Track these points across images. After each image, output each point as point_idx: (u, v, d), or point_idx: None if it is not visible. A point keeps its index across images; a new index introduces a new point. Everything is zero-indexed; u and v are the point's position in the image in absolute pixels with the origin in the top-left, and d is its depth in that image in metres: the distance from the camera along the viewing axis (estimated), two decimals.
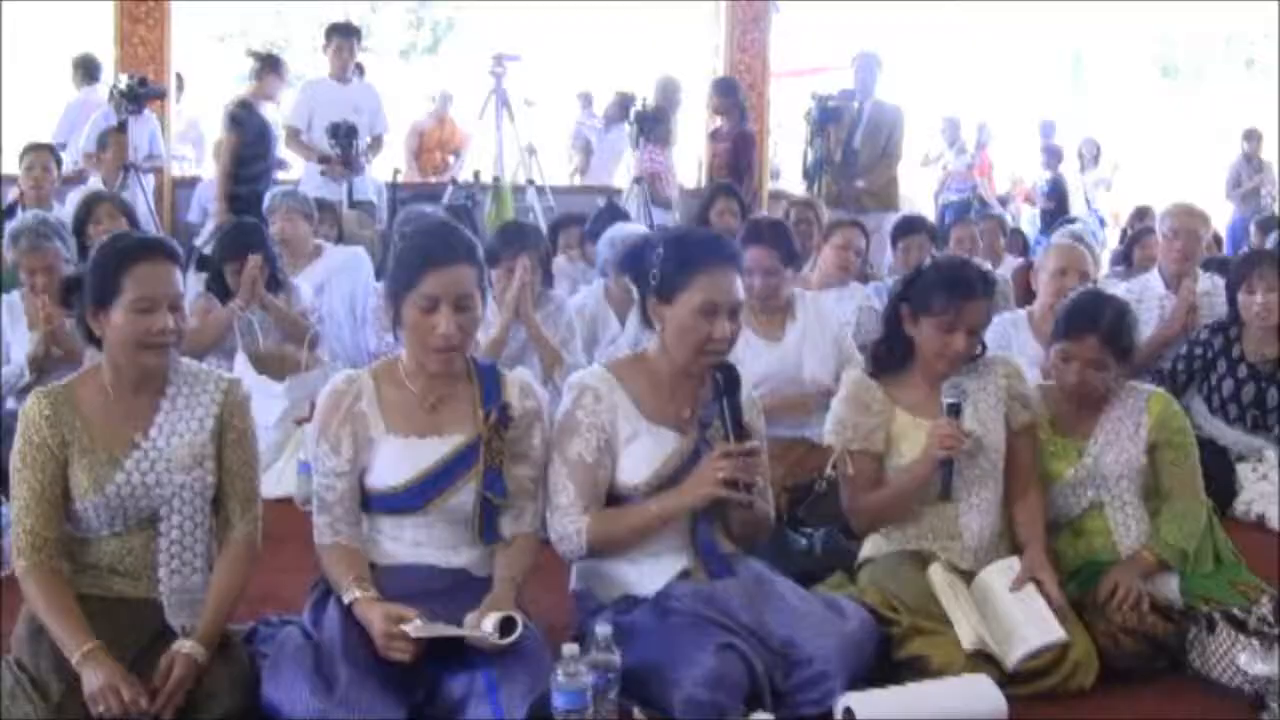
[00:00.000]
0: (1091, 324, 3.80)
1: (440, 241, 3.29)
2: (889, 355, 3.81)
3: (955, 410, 3.61)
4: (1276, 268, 5.36)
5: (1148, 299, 6.02)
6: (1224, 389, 5.46)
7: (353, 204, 9.01)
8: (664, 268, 3.40)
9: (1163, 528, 3.79)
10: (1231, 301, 5.47)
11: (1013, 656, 3.39)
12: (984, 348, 3.79)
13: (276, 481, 5.27)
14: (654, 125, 9.53)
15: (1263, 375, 5.39)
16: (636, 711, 3.18)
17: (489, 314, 5.12)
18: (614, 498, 3.45)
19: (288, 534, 4.06)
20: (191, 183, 10.49)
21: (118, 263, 3.12)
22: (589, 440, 3.40)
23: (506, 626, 3.07)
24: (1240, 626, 3.45)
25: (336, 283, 6.86)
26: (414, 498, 3.28)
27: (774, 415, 4.46)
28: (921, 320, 3.70)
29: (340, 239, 8.01)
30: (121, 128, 8.57)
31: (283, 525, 4.18)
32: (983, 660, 3.37)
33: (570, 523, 3.40)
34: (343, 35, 9.34)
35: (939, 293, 3.67)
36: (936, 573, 3.58)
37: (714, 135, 10.31)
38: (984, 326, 3.75)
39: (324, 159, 8.91)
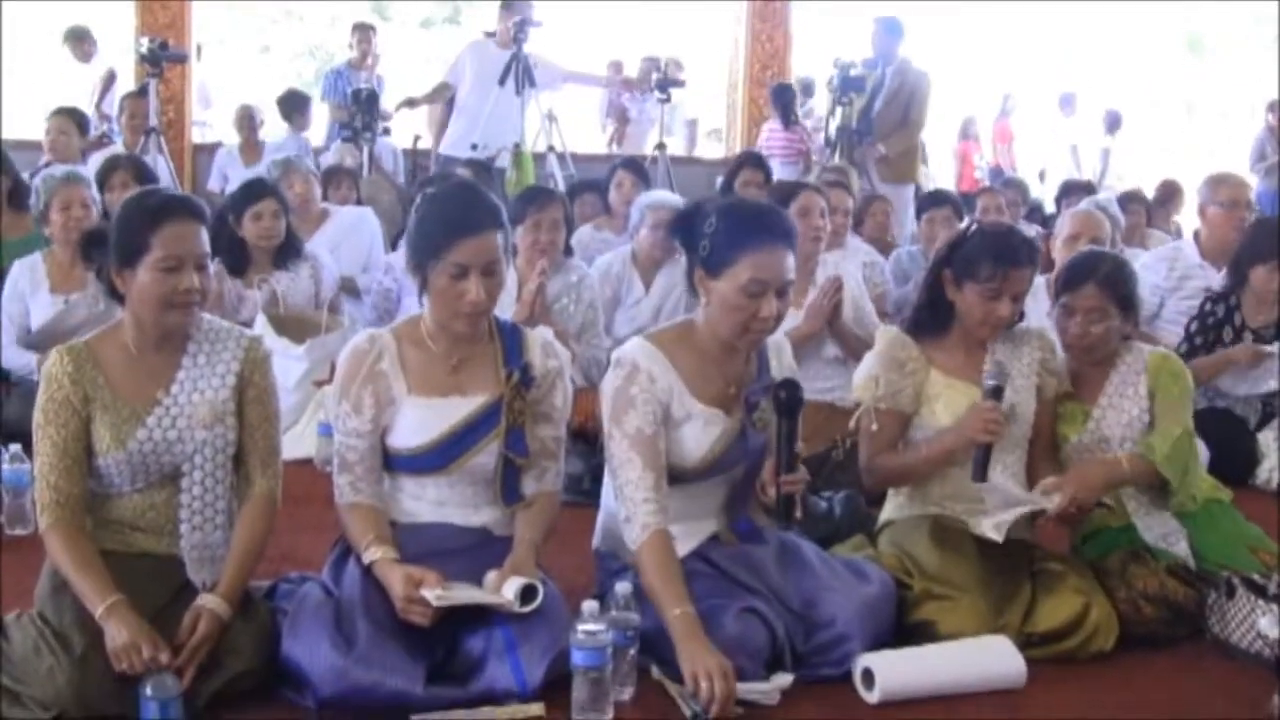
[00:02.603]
0: (1089, 273, 3.79)
1: (468, 208, 3.27)
2: (930, 319, 3.76)
3: (997, 393, 3.56)
4: None
5: (1180, 267, 6.00)
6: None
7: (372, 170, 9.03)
8: (714, 240, 3.29)
9: (1141, 443, 3.76)
10: (1234, 270, 5.44)
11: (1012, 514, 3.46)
12: (1023, 315, 3.76)
13: (296, 443, 5.25)
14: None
15: (1266, 341, 5.36)
16: (655, 671, 3.19)
17: (509, 281, 5.13)
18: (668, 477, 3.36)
19: (307, 495, 4.07)
20: (212, 149, 10.49)
21: (146, 221, 3.11)
22: (646, 414, 3.29)
23: (527, 594, 3.08)
24: (1260, 592, 3.44)
25: (347, 246, 6.87)
26: (436, 458, 3.29)
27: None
28: (965, 286, 3.66)
29: (358, 203, 8.02)
30: (142, 92, 8.59)
31: (302, 486, 4.17)
32: (993, 630, 3.36)
33: (641, 512, 3.23)
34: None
35: (985, 259, 3.62)
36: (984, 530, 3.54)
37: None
38: (1026, 294, 3.71)
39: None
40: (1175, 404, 3.80)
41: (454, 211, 3.27)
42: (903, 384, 3.70)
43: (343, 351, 3.39)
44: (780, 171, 10.76)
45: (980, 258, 3.64)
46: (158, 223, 3.10)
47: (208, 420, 3.18)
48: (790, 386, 3.33)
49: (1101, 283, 3.77)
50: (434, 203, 3.32)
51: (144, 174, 6.32)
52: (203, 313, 3.25)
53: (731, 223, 3.31)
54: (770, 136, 10.69)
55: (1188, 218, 10.01)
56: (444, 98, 9.60)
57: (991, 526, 3.46)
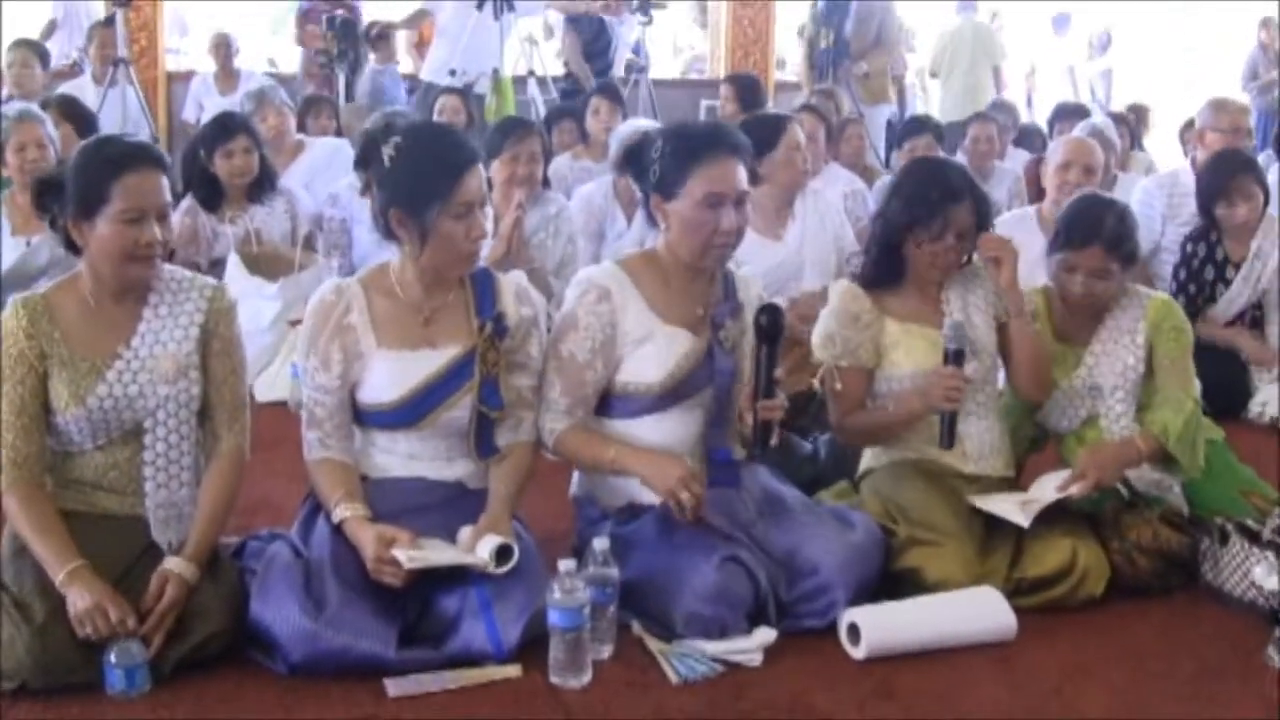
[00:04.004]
0: (1094, 233, 3.65)
1: (457, 145, 3.20)
2: (882, 271, 3.67)
3: (958, 358, 3.47)
4: (1253, 176, 5.29)
5: (1178, 195, 5.89)
6: (1218, 292, 5.38)
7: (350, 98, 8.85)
8: (663, 163, 3.29)
9: (1147, 414, 3.66)
10: (1205, 209, 5.36)
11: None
12: (970, 257, 3.66)
13: (270, 385, 5.20)
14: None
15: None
16: (636, 626, 3.14)
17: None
18: (627, 397, 3.34)
19: (281, 438, 3.97)
20: (186, 78, 10.28)
21: (105, 171, 2.99)
22: (584, 340, 3.29)
23: (502, 554, 2.99)
24: (1254, 538, 3.37)
25: (323, 179, 6.72)
26: (408, 414, 3.19)
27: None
28: (908, 234, 3.57)
29: (339, 133, 7.88)
30: (109, 22, 8.39)
31: (276, 429, 4.10)
32: (980, 575, 3.30)
33: (548, 419, 3.32)
34: None
35: (921, 204, 3.54)
36: (971, 500, 3.49)
37: None
38: (973, 230, 3.60)
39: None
40: (1179, 361, 3.69)
41: (446, 151, 3.18)
42: (859, 338, 3.62)
43: (309, 303, 3.27)
44: None
45: (916, 202, 3.55)
46: (118, 173, 2.98)
47: (171, 374, 3.08)
48: (771, 311, 3.27)
49: (1107, 243, 3.64)
50: (416, 149, 3.17)
51: (73, 110, 6.18)
52: (164, 262, 3.13)
53: (678, 143, 3.31)
54: None
55: (1156, 141, 9.91)
56: (421, 23, 9.41)
57: (1019, 512, 3.38)
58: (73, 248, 3.08)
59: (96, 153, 3.05)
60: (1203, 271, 5.38)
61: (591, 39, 9.79)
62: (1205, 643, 3.23)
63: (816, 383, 3.74)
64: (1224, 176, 5.31)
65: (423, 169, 3.14)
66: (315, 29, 9.47)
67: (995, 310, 3.66)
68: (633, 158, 3.45)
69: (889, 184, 3.84)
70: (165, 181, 3.06)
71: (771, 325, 3.24)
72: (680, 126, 3.58)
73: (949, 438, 3.50)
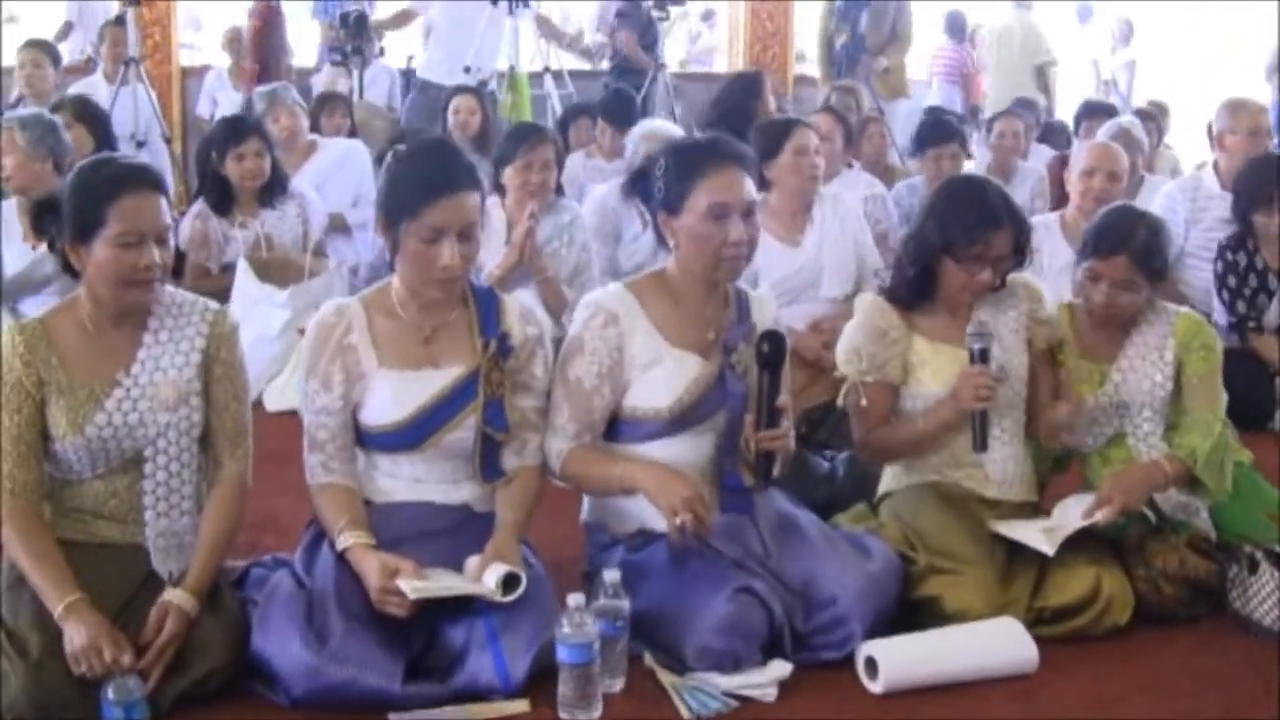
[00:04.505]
0: (1122, 243, 3.55)
1: (443, 168, 3.09)
2: (912, 291, 3.57)
3: (983, 355, 3.39)
4: None
5: (1201, 198, 5.79)
6: (1259, 303, 5.27)
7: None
8: (667, 178, 3.24)
9: (1175, 437, 3.57)
10: (1238, 217, 5.26)
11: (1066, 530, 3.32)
12: (1004, 281, 3.57)
13: (280, 394, 5.16)
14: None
15: None
16: (648, 658, 3.06)
17: (496, 222, 4.95)
18: (636, 422, 3.28)
19: (291, 452, 3.84)
20: (200, 72, 10.22)
21: (101, 193, 2.92)
22: (590, 364, 3.23)
23: (509, 583, 2.92)
24: None
25: (335, 180, 6.68)
26: (411, 435, 3.12)
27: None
28: (943, 256, 3.48)
29: (353, 131, 7.81)
30: (120, 21, 8.33)
31: (287, 441, 3.98)
32: (1001, 604, 3.22)
33: (554, 443, 3.25)
34: None
35: (961, 229, 3.44)
36: (992, 525, 3.41)
37: None
38: (1009, 256, 3.51)
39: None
40: (1208, 379, 3.60)
41: (428, 170, 3.09)
42: (887, 354, 3.53)
43: (309, 325, 3.20)
44: (939, 92, 10.80)
45: (955, 227, 3.45)
46: (114, 195, 2.92)
47: (171, 401, 3.01)
48: (773, 339, 3.19)
49: (1135, 254, 3.54)
50: (406, 161, 3.15)
51: (87, 112, 6.12)
52: (164, 286, 3.06)
53: (681, 157, 3.28)
54: (939, 55, 10.86)
55: (1179, 137, 9.78)
56: (407, 23, 9.36)
57: (1044, 539, 3.28)
58: (71, 272, 3.02)
59: (92, 175, 2.99)
60: (1247, 280, 5.27)
61: (643, 32, 9.77)
62: (1233, 675, 3.14)
63: (840, 398, 3.64)
64: (1266, 184, 5.18)
65: (403, 182, 3.10)
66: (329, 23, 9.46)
67: (1031, 335, 3.59)
68: (639, 181, 3.40)
69: (925, 202, 3.72)
70: (164, 204, 3.00)
71: (773, 353, 3.16)
72: (681, 142, 3.57)
73: (982, 440, 3.42)
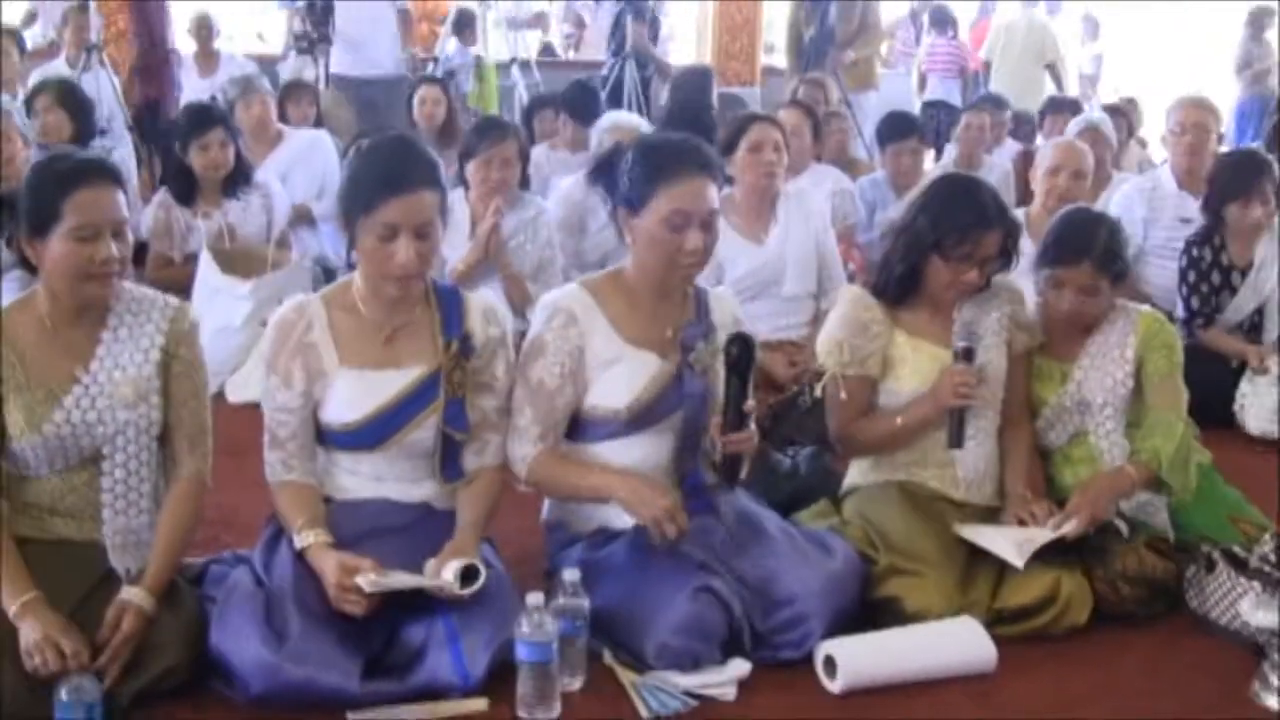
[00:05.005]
0: (1084, 249, 3.56)
1: (400, 164, 3.06)
2: (897, 286, 3.55)
3: (968, 355, 3.41)
4: (1269, 178, 5.20)
5: (1158, 198, 5.81)
6: (1219, 300, 5.30)
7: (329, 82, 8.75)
8: (632, 175, 3.21)
9: (1138, 439, 3.59)
10: (1209, 210, 5.29)
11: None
12: (988, 282, 3.57)
13: (243, 386, 5.12)
14: None
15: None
16: (607, 656, 3.06)
17: (460, 216, 4.93)
18: (595, 422, 3.27)
19: (252, 444, 3.80)
20: None
21: (56, 187, 2.89)
22: (552, 365, 3.22)
23: (468, 576, 2.91)
24: (1241, 566, 3.29)
25: (300, 171, 6.64)
26: (371, 435, 3.11)
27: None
28: (931, 254, 3.47)
29: (318, 120, 7.77)
30: (83, 7, 8.25)
31: (247, 436, 3.94)
32: (961, 606, 3.23)
33: (519, 447, 3.23)
34: None
35: (954, 225, 3.43)
36: (960, 530, 3.41)
37: None
38: (997, 258, 3.51)
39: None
40: (1169, 379, 3.61)
41: (385, 167, 3.07)
42: (869, 348, 3.53)
43: (270, 321, 3.19)
44: (939, 87, 10.76)
45: (947, 224, 3.44)
46: (69, 188, 2.88)
47: (130, 399, 2.98)
48: (742, 341, 3.18)
49: (1097, 260, 3.56)
50: (365, 156, 3.13)
51: (70, 97, 6.06)
52: (122, 281, 3.03)
53: (648, 158, 3.23)
54: (932, 50, 10.92)
55: (1152, 133, 9.83)
56: None
57: (1014, 551, 3.28)
58: (28, 267, 2.99)
59: (47, 168, 2.96)
60: (1210, 276, 5.30)
61: (650, 24, 9.85)
62: (1190, 675, 3.16)
63: (818, 390, 3.64)
64: (1246, 176, 5.20)
65: (360, 178, 3.09)
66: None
67: (1010, 336, 3.60)
68: (605, 170, 3.37)
69: (917, 196, 3.71)
70: (121, 197, 2.96)
71: (742, 356, 3.15)
72: (651, 140, 3.52)
73: (958, 436, 3.44)
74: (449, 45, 10.16)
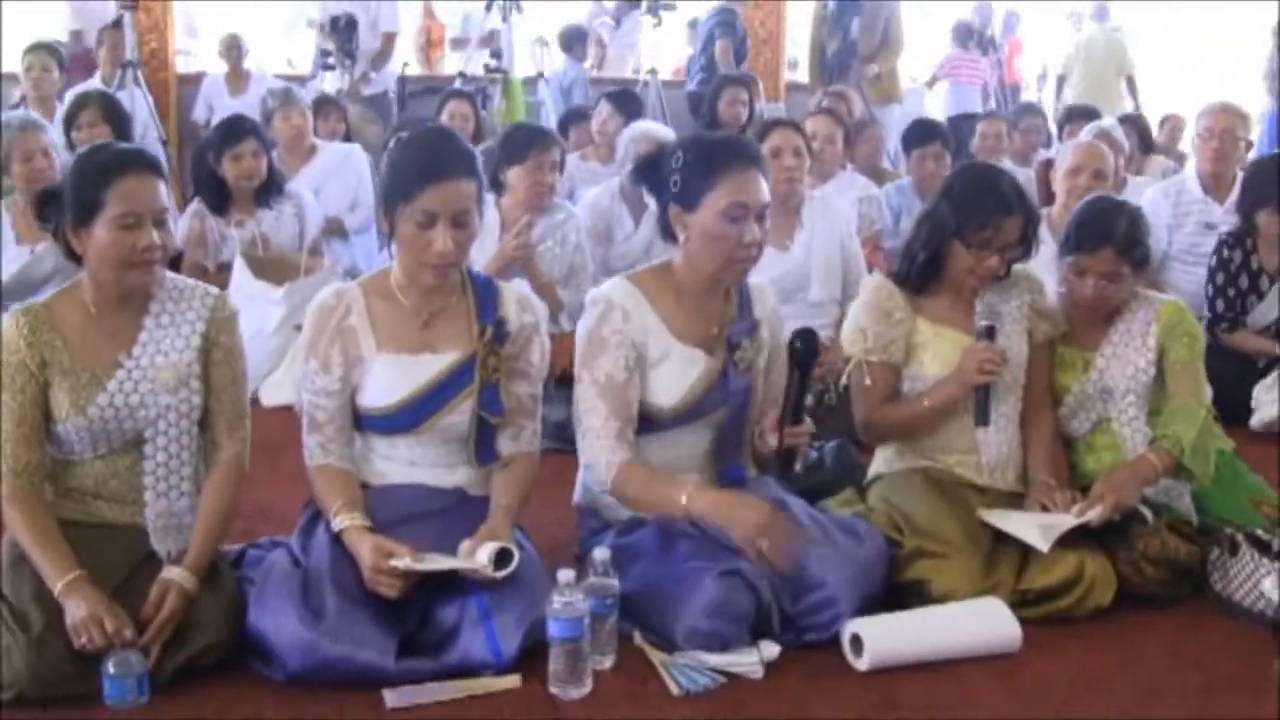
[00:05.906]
0: (1106, 236, 3.62)
1: (439, 154, 3.13)
2: (920, 273, 3.61)
3: (990, 333, 3.47)
4: None
5: (1183, 203, 5.84)
6: (1246, 303, 5.32)
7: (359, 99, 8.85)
8: (685, 173, 3.23)
9: (1160, 425, 3.62)
10: (1242, 215, 5.31)
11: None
12: (1009, 270, 3.62)
13: (276, 389, 5.20)
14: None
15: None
16: (637, 637, 3.11)
17: (490, 220, 4.99)
18: (643, 419, 3.30)
19: (286, 444, 3.94)
20: (196, 79, 10.26)
21: (99, 177, 2.98)
22: (617, 359, 3.24)
23: (502, 559, 2.96)
24: (1264, 549, 3.33)
25: (333, 184, 6.73)
26: (407, 418, 3.17)
27: None
28: (953, 240, 3.53)
29: (348, 135, 7.87)
30: (117, 24, 8.38)
31: (282, 434, 4.08)
32: (986, 587, 3.27)
33: (603, 453, 3.23)
34: None
35: (975, 210, 3.49)
36: (984, 515, 3.45)
37: None
38: (1018, 244, 3.57)
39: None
40: (1190, 366, 3.65)
41: (425, 156, 3.13)
42: (892, 334, 3.58)
43: (310, 307, 3.26)
44: (956, 96, 10.94)
45: (968, 210, 3.50)
46: (112, 178, 2.97)
47: (172, 384, 3.06)
48: (807, 336, 3.24)
49: (1119, 246, 3.61)
50: (405, 147, 3.20)
51: (113, 111, 6.16)
52: (164, 269, 3.11)
53: (701, 152, 3.26)
54: (955, 63, 11.08)
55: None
56: None
57: (1039, 536, 3.31)
58: (74, 256, 3.07)
59: (90, 159, 3.05)
60: (1238, 280, 5.32)
61: (739, 43, 9.99)
62: (1213, 655, 3.19)
63: (844, 378, 3.69)
64: (1274, 183, 5.20)
65: (400, 167, 3.14)
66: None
67: (1031, 324, 3.65)
68: (649, 169, 3.39)
69: (941, 186, 3.76)
70: (162, 187, 3.05)
71: (806, 350, 3.21)
72: (700, 136, 3.56)
73: (984, 413, 3.49)
74: (558, 61, 10.32)
